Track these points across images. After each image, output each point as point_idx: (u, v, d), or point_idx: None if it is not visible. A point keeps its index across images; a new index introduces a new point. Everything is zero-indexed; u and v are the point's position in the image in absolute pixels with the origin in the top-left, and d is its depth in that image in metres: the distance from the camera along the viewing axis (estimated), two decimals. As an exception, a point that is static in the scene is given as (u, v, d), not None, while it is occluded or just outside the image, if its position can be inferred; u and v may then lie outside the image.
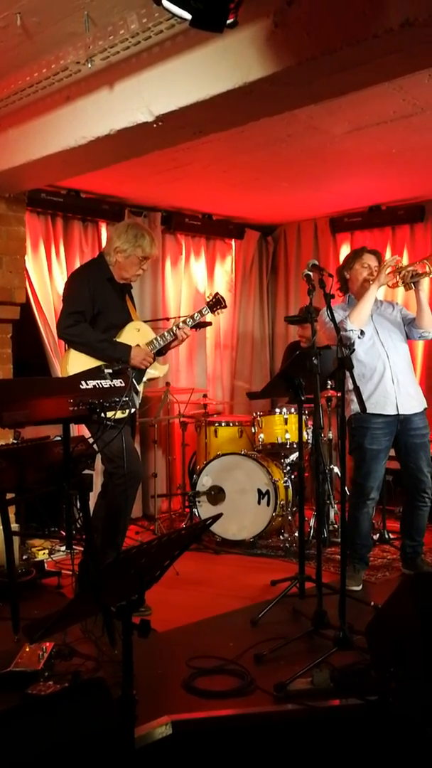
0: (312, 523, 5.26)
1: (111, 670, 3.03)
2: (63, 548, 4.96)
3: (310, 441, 5.31)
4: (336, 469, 5.51)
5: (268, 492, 5.27)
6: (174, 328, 4.21)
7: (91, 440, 3.44)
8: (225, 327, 7.23)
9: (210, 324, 5.11)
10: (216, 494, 5.47)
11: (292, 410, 5.45)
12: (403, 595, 2.76)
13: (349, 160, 5.15)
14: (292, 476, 5.44)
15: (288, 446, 5.47)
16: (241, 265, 7.27)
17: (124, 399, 3.16)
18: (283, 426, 5.48)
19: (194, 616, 3.93)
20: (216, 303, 4.47)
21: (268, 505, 5.26)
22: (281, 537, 5.39)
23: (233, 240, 7.24)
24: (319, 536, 4.13)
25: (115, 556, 2.08)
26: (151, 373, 4.21)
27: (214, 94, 3.10)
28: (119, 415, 3.30)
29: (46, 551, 4.98)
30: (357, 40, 2.62)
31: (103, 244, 5.98)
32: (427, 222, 6.33)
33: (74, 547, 3.86)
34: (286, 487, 5.38)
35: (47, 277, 5.70)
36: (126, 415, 3.62)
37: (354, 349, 4.22)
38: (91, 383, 3.08)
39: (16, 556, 4.19)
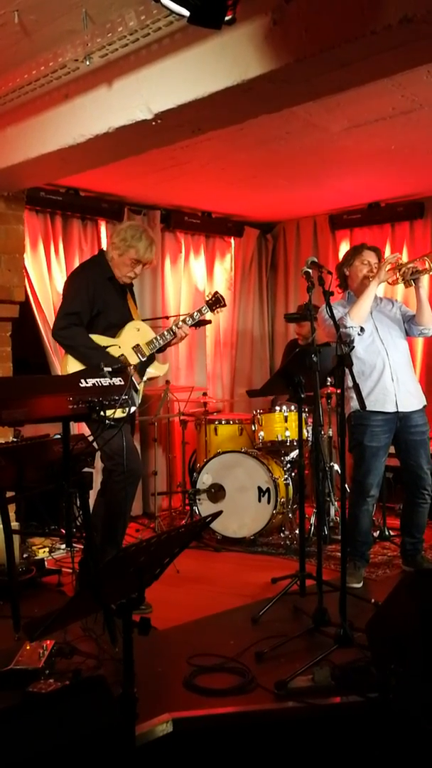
0: (312, 520, 5.26)
1: (111, 668, 3.04)
2: (63, 546, 4.95)
3: (310, 438, 5.31)
4: (336, 467, 5.51)
5: (268, 489, 5.27)
6: (174, 327, 4.20)
7: (90, 438, 3.44)
8: (225, 325, 7.23)
9: (210, 322, 5.11)
10: (216, 492, 5.47)
11: (292, 408, 5.45)
12: (403, 593, 2.76)
13: (348, 157, 5.14)
14: (293, 474, 5.44)
15: (288, 444, 5.48)
16: (241, 262, 7.27)
17: (124, 397, 3.16)
18: (283, 423, 5.48)
19: (195, 613, 3.93)
20: (215, 302, 4.47)
21: (268, 502, 5.26)
22: (282, 534, 5.40)
23: (232, 238, 7.24)
24: (320, 534, 4.13)
25: (114, 554, 2.08)
26: (151, 372, 4.21)
27: (212, 91, 3.10)
28: (119, 413, 3.30)
29: (47, 549, 4.97)
30: (355, 37, 2.61)
31: (103, 242, 5.99)
32: (426, 219, 6.33)
33: (74, 545, 3.86)
34: (287, 485, 5.39)
35: (46, 275, 5.69)
36: (126, 413, 3.62)
37: (353, 347, 4.22)
38: (91, 381, 3.08)
39: (17, 555, 4.19)
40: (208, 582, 4.57)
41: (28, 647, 3.16)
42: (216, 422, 5.90)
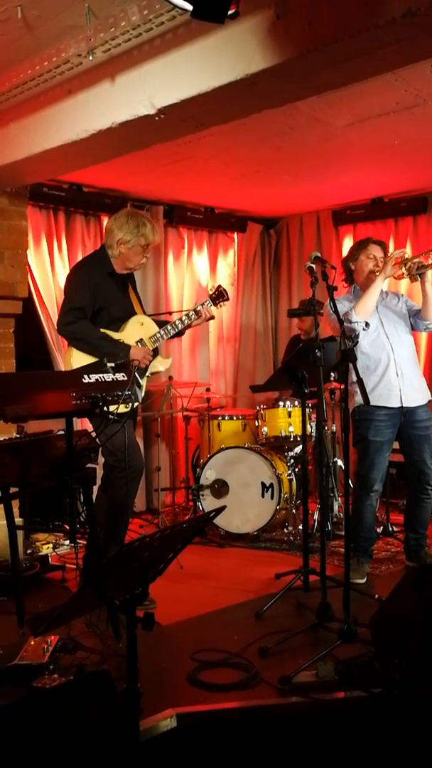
0: (316, 516, 5.26)
1: (115, 663, 3.04)
2: (67, 542, 4.97)
3: (313, 434, 5.31)
4: (339, 462, 5.51)
5: (271, 485, 5.27)
6: (178, 321, 4.20)
7: (93, 434, 3.44)
8: (228, 320, 7.22)
9: (213, 317, 5.11)
10: (220, 488, 5.47)
11: (296, 403, 5.44)
12: (407, 588, 2.76)
13: (351, 152, 5.13)
14: (296, 469, 5.44)
15: (291, 439, 5.47)
16: (244, 258, 7.26)
17: (127, 393, 3.16)
18: (287, 419, 5.48)
19: (198, 609, 3.94)
20: (219, 296, 4.46)
21: (271, 498, 5.26)
22: (285, 530, 5.40)
23: (236, 233, 7.22)
24: (323, 529, 4.14)
25: (118, 550, 2.08)
26: (154, 367, 4.21)
27: (215, 86, 3.09)
28: (122, 409, 3.30)
29: (50, 545, 4.99)
30: (359, 31, 2.60)
31: (106, 238, 5.98)
32: (429, 214, 6.31)
33: (78, 540, 3.87)
34: (290, 480, 5.39)
35: (49, 271, 5.69)
36: (129, 409, 3.62)
37: (357, 341, 4.21)
38: (94, 377, 3.08)
39: (20, 551, 4.19)
40: (211, 578, 4.58)
41: (32, 642, 3.16)
42: (219, 418, 5.90)
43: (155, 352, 4.21)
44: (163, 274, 6.55)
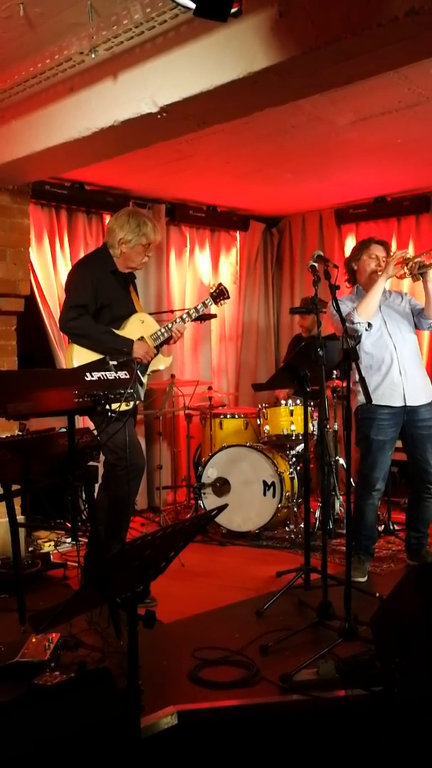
0: (317, 514, 5.26)
1: (117, 660, 3.04)
2: (68, 540, 4.97)
3: (315, 432, 5.30)
4: (341, 461, 5.51)
5: (273, 483, 5.27)
6: (179, 320, 4.20)
7: (95, 432, 3.45)
8: (230, 319, 7.22)
9: (215, 316, 5.12)
10: (221, 486, 5.48)
11: (298, 402, 5.44)
12: (408, 587, 2.76)
13: (353, 150, 5.12)
14: (298, 468, 5.44)
15: (293, 438, 5.47)
16: (246, 256, 7.25)
17: (129, 391, 3.16)
18: (289, 417, 5.48)
19: (199, 607, 3.94)
20: (219, 294, 4.46)
21: (273, 496, 5.26)
22: (286, 528, 5.40)
23: (238, 232, 7.22)
24: (325, 528, 4.13)
25: (119, 548, 2.09)
26: (155, 365, 4.21)
27: (218, 84, 3.08)
28: (123, 407, 3.30)
29: (52, 543, 4.99)
30: (362, 29, 2.60)
31: (108, 236, 5.98)
32: (432, 213, 6.31)
33: (79, 538, 3.87)
34: (292, 479, 5.39)
35: (51, 269, 5.69)
36: (130, 407, 3.62)
37: (359, 340, 4.21)
38: (96, 375, 3.08)
39: (22, 548, 4.20)
40: (213, 576, 4.58)
41: (33, 640, 3.17)
42: (221, 416, 5.90)
43: (156, 351, 4.21)
44: (165, 273, 6.55)
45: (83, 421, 4.77)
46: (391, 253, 4.33)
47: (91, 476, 3.58)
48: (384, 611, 2.95)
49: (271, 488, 5.27)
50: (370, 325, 4.24)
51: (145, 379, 4.16)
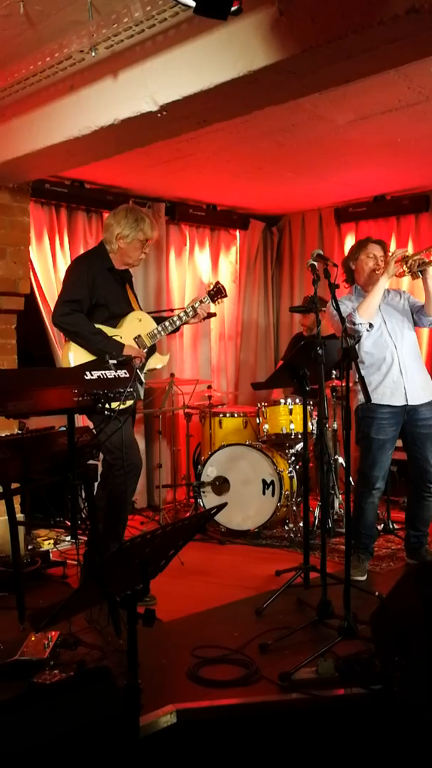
0: (316, 513, 5.26)
1: (116, 659, 3.04)
2: (68, 538, 4.97)
3: (314, 431, 5.30)
4: (341, 460, 5.51)
5: (272, 482, 5.27)
6: (176, 318, 4.20)
7: (94, 431, 3.45)
8: (229, 318, 7.22)
9: (214, 314, 5.11)
10: (221, 484, 5.48)
11: (297, 400, 5.44)
12: (407, 585, 2.76)
13: (353, 149, 5.12)
14: (297, 466, 5.44)
15: (293, 436, 5.48)
16: (246, 255, 7.25)
17: (129, 390, 3.16)
18: (288, 416, 5.48)
19: (199, 605, 3.94)
20: (217, 292, 4.46)
21: (272, 495, 5.27)
22: (286, 527, 5.40)
23: (238, 230, 7.22)
24: (324, 526, 4.14)
25: (119, 546, 2.09)
26: (152, 363, 4.20)
27: (218, 82, 3.08)
28: (121, 405, 3.30)
29: (51, 541, 5.00)
30: (362, 28, 2.59)
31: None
32: (432, 212, 6.31)
33: (79, 537, 3.87)
34: (291, 478, 5.39)
35: (51, 267, 5.69)
36: (128, 405, 3.62)
37: (359, 339, 4.21)
38: (96, 374, 3.08)
39: (22, 546, 4.20)
40: (212, 574, 4.58)
41: (33, 638, 3.17)
42: (220, 415, 5.90)
43: (153, 349, 4.21)
44: (164, 272, 6.55)
45: (83, 420, 4.77)
46: (390, 253, 4.33)
47: (91, 475, 3.59)
48: (383, 610, 2.95)
49: (271, 487, 5.28)
50: (371, 325, 4.24)
51: (142, 378, 4.15)
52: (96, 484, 4.00)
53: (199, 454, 6.26)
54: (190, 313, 4.25)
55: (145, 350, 4.11)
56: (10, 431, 3.93)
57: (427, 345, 6.38)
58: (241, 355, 7.32)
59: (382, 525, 5.16)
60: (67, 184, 5.69)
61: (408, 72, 3.72)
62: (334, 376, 5.20)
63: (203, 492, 5.51)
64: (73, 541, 4.38)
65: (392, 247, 6.42)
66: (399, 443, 4.42)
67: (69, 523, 3.56)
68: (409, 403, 4.26)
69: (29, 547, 4.76)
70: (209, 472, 5.50)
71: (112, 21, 3.13)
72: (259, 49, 2.90)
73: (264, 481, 5.31)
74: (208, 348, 6.99)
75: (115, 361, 3.25)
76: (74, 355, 3.92)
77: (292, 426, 5.45)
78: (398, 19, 2.50)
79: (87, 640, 3.32)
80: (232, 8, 2.45)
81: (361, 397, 4.13)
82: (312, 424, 5.32)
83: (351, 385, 4.36)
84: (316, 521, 5.21)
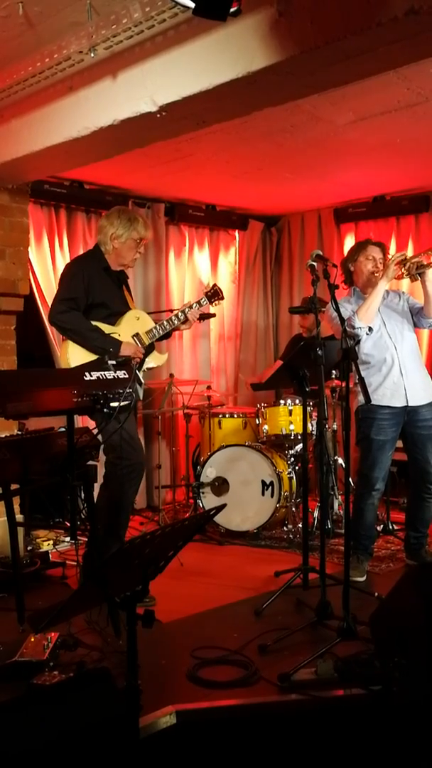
0: (316, 514, 5.26)
1: (115, 660, 3.05)
2: (67, 539, 4.97)
3: (314, 432, 5.31)
4: (340, 460, 5.51)
5: (272, 483, 5.27)
6: (174, 317, 4.20)
7: (95, 430, 3.45)
8: (229, 318, 7.22)
9: (214, 315, 5.12)
10: (220, 485, 5.48)
11: (297, 401, 5.44)
12: (406, 586, 2.76)
13: (353, 150, 5.12)
14: (296, 467, 5.44)
15: (292, 437, 5.48)
16: (245, 256, 7.25)
17: (128, 390, 3.16)
18: (287, 417, 5.48)
19: (198, 606, 3.94)
20: (214, 294, 4.47)
21: (272, 496, 5.27)
22: (285, 528, 5.40)
23: (237, 231, 7.22)
24: (323, 527, 4.14)
25: (118, 547, 2.09)
26: (149, 362, 4.20)
27: (217, 83, 3.08)
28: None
29: (51, 542, 4.99)
30: (361, 29, 2.60)
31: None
32: (431, 212, 6.30)
33: (78, 537, 3.87)
34: (290, 478, 5.39)
35: (51, 268, 5.69)
36: (130, 402, 3.61)
37: (359, 340, 4.21)
38: (95, 374, 3.08)
39: (21, 547, 4.20)
40: (211, 575, 4.58)
41: (32, 639, 3.17)
42: (220, 416, 5.90)
43: (151, 348, 4.21)
44: (164, 272, 6.55)
45: (82, 421, 4.77)
46: (389, 256, 4.32)
47: (90, 476, 3.58)
48: (383, 611, 2.95)
49: (270, 488, 5.28)
50: (371, 329, 4.24)
51: (141, 379, 4.15)
52: (96, 485, 4.00)
53: (199, 454, 6.26)
54: (188, 312, 4.24)
55: (144, 349, 4.12)
56: (9, 432, 3.93)
57: (427, 346, 6.38)
58: (241, 355, 7.32)
59: (382, 526, 5.16)
60: (67, 184, 5.69)
61: (407, 73, 3.72)
62: (334, 377, 5.21)
63: (202, 493, 5.51)
64: (73, 542, 4.38)
65: (392, 247, 6.43)
66: (399, 444, 4.42)
67: (68, 524, 3.56)
68: (410, 404, 4.26)
69: (29, 548, 4.76)
70: (208, 473, 5.50)
71: (111, 22, 3.13)
72: (258, 50, 2.90)
73: (263, 482, 5.31)
74: (208, 348, 7.00)
75: (114, 362, 3.25)
76: (72, 354, 3.92)
77: (291, 427, 5.45)
78: (397, 20, 2.50)
79: (86, 641, 3.32)
80: (231, 9, 2.46)
81: (361, 398, 4.14)
82: (311, 425, 5.32)
83: (351, 386, 4.37)
84: (316, 522, 5.21)
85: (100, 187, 5.94)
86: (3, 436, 3.29)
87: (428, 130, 4.69)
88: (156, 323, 4.19)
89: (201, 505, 5.50)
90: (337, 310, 3.50)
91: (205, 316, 4.74)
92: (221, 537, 5.35)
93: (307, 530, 4.14)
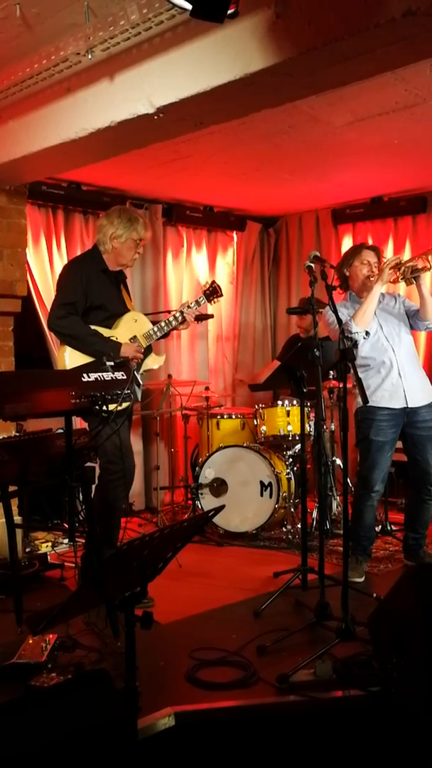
0: (314, 515, 5.26)
1: (114, 661, 3.04)
2: (66, 541, 4.97)
3: (312, 433, 5.31)
4: (338, 461, 5.51)
5: (270, 484, 5.27)
6: (173, 318, 4.20)
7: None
8: (227, 319, 7.22)
9: (212, 316, 5.13)
10: (218, 486, 5.48)
11: (294, 402, 5.44)
12: (405, 587, 2.76)
13: (350, 151, 5.13)
14: (295, 468, 5.44)
15: (290, 438, 5.48)
16: (243, 257, 7.26)
17: (126, 391, 3.15)
18: (285, 418, 5.48)
19: (197, 607, 3.94)
20: (213, 292, 4.46)
21: (270, 497, 5.27)
22: (284, 529, 5.40)
23: (235, 232, 7.22)
24: (322, 528, 4.14)
25: (118, 549, 2.08)
26: (147, 364, 4.20)
27: (215, 85, 3.09)
28: (118, 408, 3.29)
29: (49, 544, 4.99)
30: (358, 30, 2.60)
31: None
32: (429, 213, 6.31)
33: (77, 539, 3.87)
34: (289, 479, 5.39)
35: (48, 270, 5.69)
36: (124, 407, 3.61)
37: (356, 344, 4.22)
38: (93, 376, 3.08)
39: (19, 549, 4.19)
40: (210, 576, 4.58)
41: (30, 641, 3.17)
42: (218, 416, 5.90)
43: (148, 349, 4.20)
44: (162, 273, 6.55)
45: (80, 422, 4.77)
46: (384, 260, 4.33)
47: (89, 477, 3.58)
48: (381, 611, 2.95)
49: (268, 489, 5.28)
50: (367, 333, 4.24)
51: (140, 380, 4.15)
52: (94, 486, 4.00)
53: (197, 455, 6.26)
54: (187, 311, 4.23)
55: (142, 350, 4.11)
56: (7, 433, 3.93)
57: (425, 348, 6.39)
58: (239, 356, 7.32)
59: (380, 526, 5.16)
60: (64, 186, 5.69)
61: (404, 74, 3.73)
62: (331, 377, 5.22)
63: (201, 494, 5.50)
64: (71, 543, 4.37)
65: (390, 248, 6.44)
66: (398, 445, 4.42)
67: (67, 526, 3.55)
68: (409, 405, 4.26)
69: (27, 550, 4.76)
70: (207, 474, 5.50)
71: (109, 23, 3.13)
72: (255, 51, 2.90)
73: (262, 483, 5.31)
74: (206, 349, 7.00)
75: (112, 363, 3.24)
76: (70, 357, 3.92)
77: (289, 428, 5.45)
78: (395, 22, 2.50)
79: (85, 642, 3.32)
80: (229, 11, 2.46)
81: (359, 399, 4.14)
82: (309, 426, 5.32)
83: (350, 387, 4.38)
84: (314, 523, 5.21)
85: (97, 188, 5.94)
86: (1, 437, 3.29)
87: (426, 131, 4.69)
88: (154, 325, 4.18)
89: (200, 506, 5.50)
90: (335, 313, 3.50)
91: (203, 317, 4.74)
92: (220, 538, 5.35)
93: (305, 531, 4.14)
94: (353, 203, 6.67)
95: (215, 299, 4.50)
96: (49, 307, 5.55)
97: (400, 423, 4.29)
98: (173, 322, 4.20)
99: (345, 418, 3.41)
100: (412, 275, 4.25)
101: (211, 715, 2.80)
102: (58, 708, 2.08)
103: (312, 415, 5.36)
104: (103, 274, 4.07)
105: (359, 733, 2.70)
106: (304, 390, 4.04)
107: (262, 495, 5.30)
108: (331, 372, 4.99)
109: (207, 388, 6.16)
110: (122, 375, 3.20)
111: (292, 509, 5.37)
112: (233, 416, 5.91)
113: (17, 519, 4.37)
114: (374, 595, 3.87)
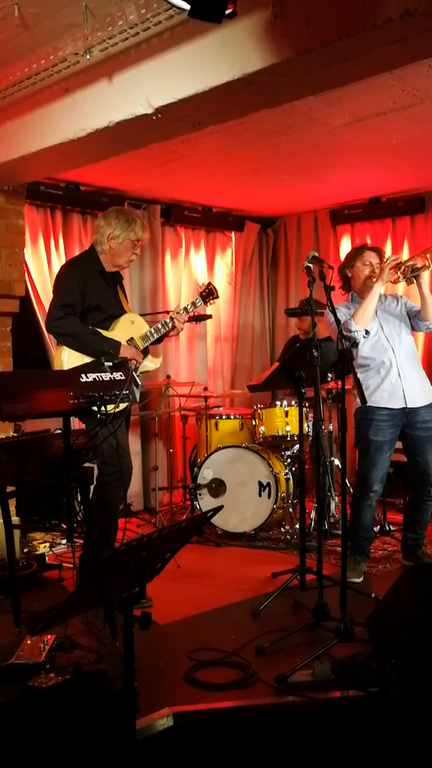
0: (313, 515, 5.26)
1: (112, 662, 3.04)
2: (64, 541, 4.97)
3: (310, 433, 5.30)
4: (337, 462, 5.52)
5: (268, 484, 5.27)
6: (168, 320, 4.20)
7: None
8: (225, 320, 7.22)
9: (210, 317, 5.11)
10: (217, 487, 5.48)
11: (293, 402, 5.45)
12: (403, 587, 2.76)
13: (348, 151, 5.13)
14: (293, 468, 5.44)
15: (289, 438, 5.48)
16: (241, 257, 7.26)
17: (125, 392, 3.15)
18: (284, 418, 5.48)
19: (195, 608, 3.94)
20: (209, 293, 4.46)
21: (268, 497, 5.27)
22: (282, 529, 5.40)
23: (233, 232, 7.22)
24: (320, 528, 4.13)
25: (116, 549, 2.08)
26: (145, 365, 4.20)
27: (213, 85, 3.09)
28: (116, 409, 3.29)
29: (47, 544, 4.99)
30: (356, 31, 2.60)
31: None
32: (427, 213, 6.32)
33: (75, 539, 3.87)
34: (287, 480, 5.39)
35: (46, 270, 5.69)
36: (122, 408, 3.61)
37: (356, 344, 4.22)
38: (92, 376, 3.08)
39: (17, 549, 4.19)
40: (208, 577, 4.58)
41: (28, 642, 3.16)
42: (216, 417, 5.90)
43: (146, 351, 4.20)
44: (160, 273, 6.55)
45: (78, 423, 4.77)
46: (385, 260, 4.33)
47: (87, 478, 3.58)
48: (380, 612, 2.95)
49: (267, 489, 5.28)
50: (367, 332, 4.24)
51: (138, 380, 4.15)
52: (92, 486, 3.99)
53: (196, 456, 6.26)
54: (182, 313, 4.23)
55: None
56: (5, 434, 3.93)
57: (424, 349, 6.39)
58: (237, 357, 7.32)
59: (379, 527, 5.16)
60: (62, 186, 5.69)
61: (402, 75, 3.73)
62: (330, 379, 5.22)
63: (199, 494, 5.50)
64: (69, 544, 4.37)
65: (387, 249, 6.44)
66: (398, 445, 4.42)
67: (65, 526, 3.55)
68: (408, 405, 4.26)
69: (25, 551, 4.75)
70: (205, 475, 5.50)
71: (107, 24, 3.13)
72: (253, 52, 2.90)
73: (260, 483, 5.31)
74: (204, 350, 6.99)
75: (110, 364, 3.24)
76: (67, 357, 3.91)
77: (288, 428, 5.45)
78: (392, 22, 2.51)
79: (83, 643, 3.32)
80: (227, 12, 2.46)
81: (358, 400, 4.14)
82: (308, 426, 5.32)
83: (348, 387, 4.38)
84: (313, 523, 5.21)
85: (96, 188, 5.94)
86: (-1, 438, 3.29)
87: (424, 131, 4.70)
88: (151, 326, 4.18)
89: (198, 506, 5.50)
90: (333, 312, 3.50)
91: (201, 318, 4.74)
92: (218, 538, 5.35)
93: (304, 531, 4.14)
94: (351, 204, 6.67)
95: (211, 301, 4.50)
96: (47, 307, 5.57)
97: (399, 423, 4.29)
98: (162, 329, 4.18)
99: (343, 418, 3.40)
100: (412, 274, 4.25)
101: (209, 715, 2.80)
102: (57, 708, 2.08)
103: (310, 415, 5.36)
104: (99, 276, 4.06)
105: (358, 733, 2.70)
106: (303, 390, 4.04)
107: (260, 495, 5.30)
108: (330, 374, 5.00)
109: (205, 389, 6.16)
110: (121, 375, 3.20)
111: (291, 510, 5.37)
112: (232, 417, 5.91)
113: (15, 519, 4.37)
114: (373, 595, 3.87)
